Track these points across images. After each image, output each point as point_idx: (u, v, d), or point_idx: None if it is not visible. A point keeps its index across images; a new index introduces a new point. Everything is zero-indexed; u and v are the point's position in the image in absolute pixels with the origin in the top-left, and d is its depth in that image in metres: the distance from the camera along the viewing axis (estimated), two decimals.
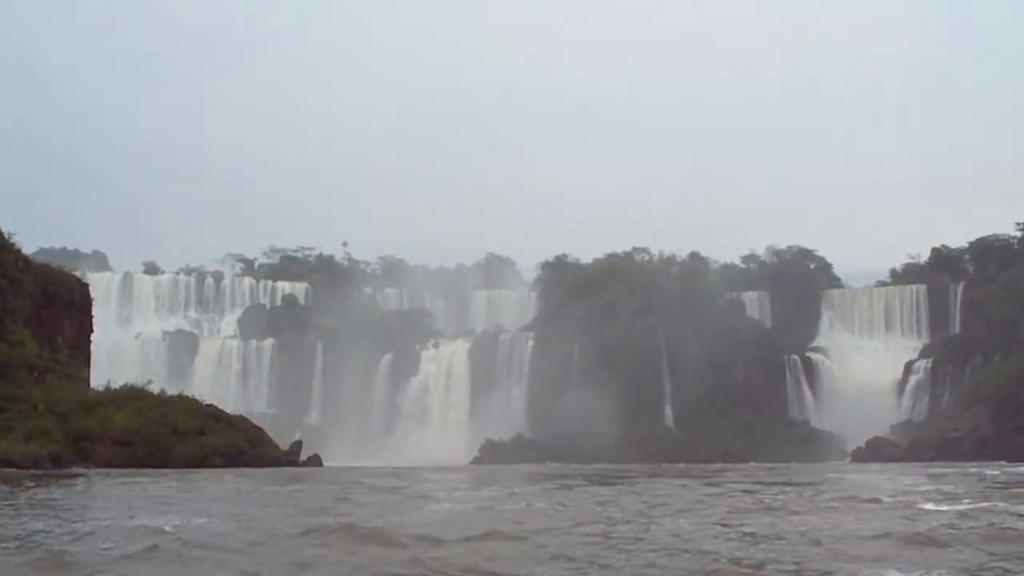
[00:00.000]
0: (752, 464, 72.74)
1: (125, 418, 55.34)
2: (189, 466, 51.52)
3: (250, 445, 59.41)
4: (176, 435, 55.84)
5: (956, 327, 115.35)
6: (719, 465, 68.54)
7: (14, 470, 42.32)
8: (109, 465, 50.34)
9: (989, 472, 42.23)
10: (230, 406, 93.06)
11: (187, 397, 63.09)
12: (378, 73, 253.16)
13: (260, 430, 65.71)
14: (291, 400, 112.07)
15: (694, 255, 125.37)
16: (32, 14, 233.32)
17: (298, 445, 69.81)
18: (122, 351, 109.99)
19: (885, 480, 34.69)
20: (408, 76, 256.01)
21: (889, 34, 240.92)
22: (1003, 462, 71.92)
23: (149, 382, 63.66)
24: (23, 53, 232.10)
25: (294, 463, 64.05)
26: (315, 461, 67.62)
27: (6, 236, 66.73)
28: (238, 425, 62.52)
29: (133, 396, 59.68)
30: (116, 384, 63.84)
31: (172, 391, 66.78)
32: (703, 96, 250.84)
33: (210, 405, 64.42)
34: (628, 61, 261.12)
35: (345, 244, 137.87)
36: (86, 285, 76.71)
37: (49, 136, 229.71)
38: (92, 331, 74.35)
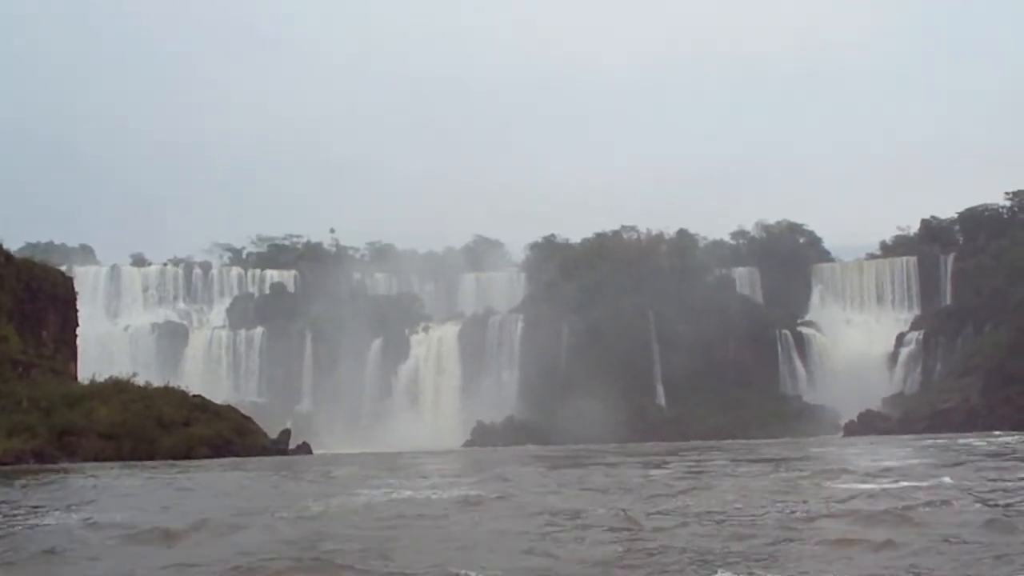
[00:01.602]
0: (740, 441, 72.61)
1: (110, 411, 55.01)
2: (176, 458, 51.24)
3: (237, 435, 59.18)
4: (162, 427, 55.56)
5: (947, 298, 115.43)
6: (701, 443, 68.44)
7: None
8: (95, 459, 50.01)
9: (965, 443, 42.09)
10: (221, 396, 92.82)
11: (173, 388, 62.79)
12: (365, 59, 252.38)
13: (248, 419, 65.51)
14: (282, 388, 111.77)
15: (682, 232, 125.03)
16: (18, 4, 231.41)
17: (287, 434, 69.64)
18: (111, 344, 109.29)
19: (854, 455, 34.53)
20: (395, 61, 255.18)
21: (883, 8, 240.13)
22: (997, 432, 72.05)
23: (134, 375, 63.28)
24: (9, 47, 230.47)
25: (282, 452, 63.87)
26: (304, 449, 67.47)
27: None
28: (225, 415, 62.29)
29: (118, 389, 59.32)
30: (103, 378, 63.68)
31: (162, 383, 66.53)
32: (691, 73, 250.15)
33: (197, 396, 64.13)
34: (613, 41, 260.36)
35: (333, 230, 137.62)
36: (70, 279, 76.44)
37: (34, 130, 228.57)
38: (77, 325, 73.92)
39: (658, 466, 28.05)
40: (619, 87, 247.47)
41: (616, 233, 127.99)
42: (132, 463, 44.89)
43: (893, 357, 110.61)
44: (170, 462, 46.62)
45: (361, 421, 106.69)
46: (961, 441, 43.61)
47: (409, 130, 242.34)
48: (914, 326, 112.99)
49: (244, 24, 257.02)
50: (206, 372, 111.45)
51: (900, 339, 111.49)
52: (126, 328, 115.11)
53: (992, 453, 29.38)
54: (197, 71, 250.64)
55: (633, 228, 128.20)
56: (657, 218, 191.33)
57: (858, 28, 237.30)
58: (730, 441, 71.99)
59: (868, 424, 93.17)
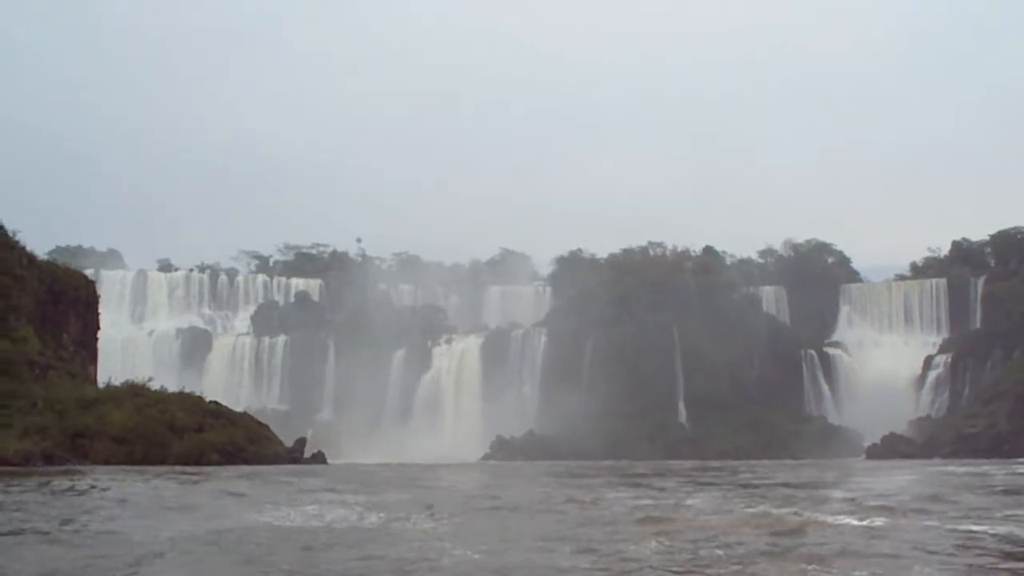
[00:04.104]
0: (756, 462, 71.66)
1: (123, 415, 55.07)
2: (186, 463, 51.22)
3: (250, 442, 59.01)
4: (174, 432, 55.56)
5: (976, 321, 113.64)
6: (718, 463, 67.58)
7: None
8: (106, 463, 50.11)
9: (980, 472, 41.11)
10: (243, 403, 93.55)
11: (188, 394, 62.77)
12: (390, 70, 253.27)
13: (264, 427, 65.46)
14: (304, 397, 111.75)
15: (708, 249, 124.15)
16: (45, 13, 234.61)
17: (302, 442, 69.51)
18: (135, 348, 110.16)
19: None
20: (425, 74, 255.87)
21: (908, 22, 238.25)
22: (1022, 459, 70.72)
23: (150, 379, 63.35)
24: (39, 55, 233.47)
25: (297, 460, 63.68)
26: (319, 458, 67.28)
27: (10, 234, 66.85)
28: (240, 422, 62.21)
29: (133, 393, 59.45)
30: (121, 382, 63.94)
31: (185, 388, 66.81)
32: (720, 90, 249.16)
33: (212, 402, 64.21)
34: (642, 55, 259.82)
35: (359, 240, 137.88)
36: (92, 282, 76.80)
37: (64, 136, 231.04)
38: (99, 328, 74.37)
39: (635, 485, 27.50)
40: (646, 102, 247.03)
41: (643, 249, 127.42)
42: (141, 468, 44.85)
43: (920, 380, 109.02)
44: (183, 468, 46.58)
45: (382, 431, 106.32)
46: (975, 470, 42.64)
47: (438, 142, 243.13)
48: (942, 349, 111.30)
49: (274, 33, 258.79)
50: (229, 378, 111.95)
51: (928, 362, 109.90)
52: (150, 333, 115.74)
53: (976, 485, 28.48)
54: (228, 81, 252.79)
55: (660, 244, 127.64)
56: (684, 235, 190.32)
57: (894, 42, 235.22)
58: (749, 462, 71.05)
59: (891, 447, 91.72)
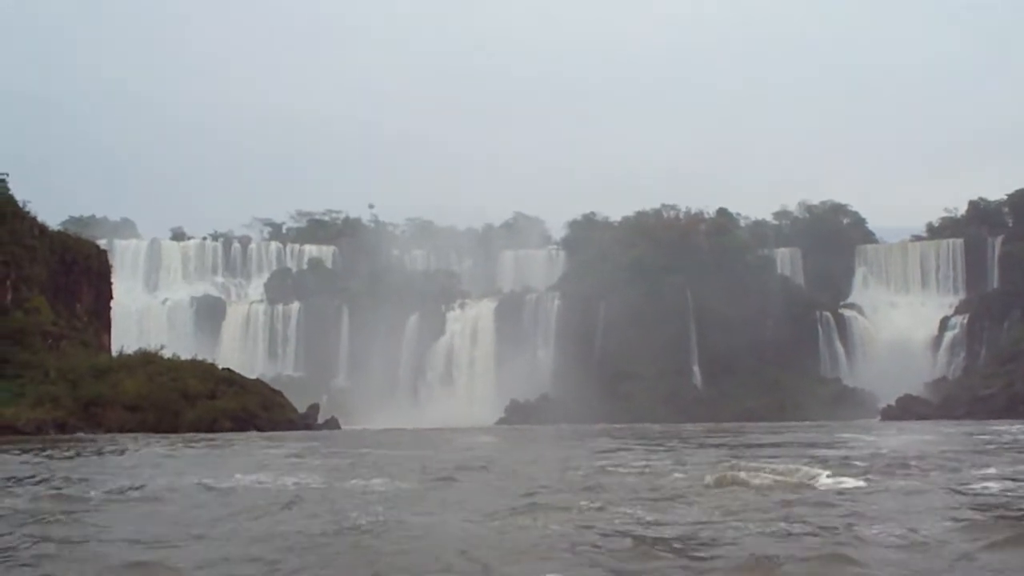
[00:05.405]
0: (768, 423, 71.49)
1: (136, 383, 55.47)
2: (199, 430, 51.47)
3: (263, 409, 59.41)
4: (186, 400, 55.91)
5: (994, 282, 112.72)
6: (734, 425, 67.41)
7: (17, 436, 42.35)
8: (120, 430, 50.39)
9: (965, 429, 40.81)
10: (257, 370, 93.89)
11: (200, 361, 63.12)
12: (407, 36, 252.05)
13: (278, 393, 65.84)
14: (318, 363, 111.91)
15: (722, 211, 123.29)
16: None
17: (315, 408, 69.98)
18: (150, 317, 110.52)
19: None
20: (437, 41, 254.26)
21: None
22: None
23: (162, 347, 63.64)
24: (51, 22, 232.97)
25: (310, 426, 64.12)
26: (332, 424, 67.79)
27: (21, 205, 66.92)
28: (252, 389, 62.58)
29: (146, 361, 59.86)
30: (134, 350, 64.28)
31: (199, 356, 67.20)
32: (733, 49, 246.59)
33: (226, 369, 64.55)
34: (653, 13, 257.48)
35: (372, 206, 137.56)
36: (104, 252, 76.99)
37: (75, 106, 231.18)
38: (111, 297, 74.71)
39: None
40: (660, 64, 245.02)
41: (656, 212, 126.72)
42: (151, 435, 45.00)
43: (937, 341, 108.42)
44: (196, 435, 46.75)
45: (396, 396, 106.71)
46: (987, 429, 42.35)
47: (450, 107, 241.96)
48: (959, 310, 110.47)
49: (286, 2, 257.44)
50: (243, 346, 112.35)
51: (944, 323, 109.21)
52: (164, 301, 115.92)
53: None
54: (240, 49, 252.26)
55: (673, 207, 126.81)
56: (698, 197, 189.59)
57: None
58: (763, 424, 70.90)
59: (907, 409, 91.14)
